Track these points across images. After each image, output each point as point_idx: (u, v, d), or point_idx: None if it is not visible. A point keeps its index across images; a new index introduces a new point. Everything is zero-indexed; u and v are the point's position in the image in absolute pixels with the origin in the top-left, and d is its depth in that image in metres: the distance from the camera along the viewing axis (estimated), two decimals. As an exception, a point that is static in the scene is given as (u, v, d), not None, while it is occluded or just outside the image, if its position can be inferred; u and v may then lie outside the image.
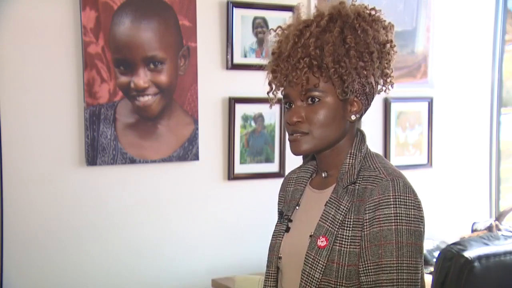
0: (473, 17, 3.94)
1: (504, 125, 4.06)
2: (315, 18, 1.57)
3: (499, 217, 3.72)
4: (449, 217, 3.87)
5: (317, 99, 1.54)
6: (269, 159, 3.34)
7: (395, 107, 3.69)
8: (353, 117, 1.57)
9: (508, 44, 4.03)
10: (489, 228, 3.58)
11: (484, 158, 4.05)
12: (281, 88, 1.61)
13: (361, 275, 1.49)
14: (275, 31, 1.63)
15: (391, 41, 1.59)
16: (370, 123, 3.56)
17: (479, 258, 2.36)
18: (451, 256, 2.37)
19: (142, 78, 2.99)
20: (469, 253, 2.36)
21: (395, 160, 3.66)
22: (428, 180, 3.80)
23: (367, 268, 1.48)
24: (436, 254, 2.97)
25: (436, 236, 3.59)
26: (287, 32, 1.59)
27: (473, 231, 3.64)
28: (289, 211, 1.68)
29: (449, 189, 3.92)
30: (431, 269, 2.62)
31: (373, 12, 1.58)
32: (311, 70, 1.52)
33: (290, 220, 1.66)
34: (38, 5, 2.84)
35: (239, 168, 3.26)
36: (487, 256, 2.39)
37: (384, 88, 1.62)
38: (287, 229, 1.65)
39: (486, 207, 4.05)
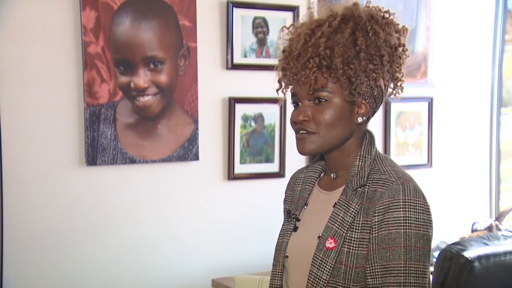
0: (473, 17, 3.94)
1: (504, 125, 4.06)
2: (328, 18, 1.56)
3: (499, 217, 3.72)
4: (449, 217, 3.87)
5: (324, 99, 1.53)
6: (269, 159, 3.33)
7: (395, 107, 3.69)
8: (360, 119, 1.57)
9: (508, 44, 4.03)
10: (489, 228, 3.58)
11: (484, 158, 4.05)
12: (290, 87, 1.60)
13: (368, 277, 1.49)
14: (288, 28, 1.63)
15: (404, 45, 1.58)
16: (370, 123, 3.54)
17: (479, 258, 2.36)
18: (451, 256, 2.37)
19: (142, 78, 2.99)
20: (469, 253, 2.36)
21: (395, 160, 3.64)
22: (428, 180, 3.80)
23: (374, 270, 1.48)
24: (436, 254, 2.97)
25: (436, 236, 3.57)
26: (299, 31, 1.58)
27: (473, 231, 3.64)
28: (297, 210, 1.67)
29: (449, 189, 3.92)
30: (431, 269, 2.62)
31: (386, 15, 1.58)
32: (320, 70, 1.52)
33: (298, 220, 1.66)
34: (38, 5, 2.83)
35: (239, 168, 3.26)
36: (487, 256, 2.39)
37: (394, 91, 1.61)
38: (295, 228, 1.65)
39: (486, 207, 4.05)
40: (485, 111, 4.03)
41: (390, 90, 1.61)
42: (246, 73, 3.24)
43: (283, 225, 1.70)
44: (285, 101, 1.76)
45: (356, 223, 1.51)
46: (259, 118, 3.29)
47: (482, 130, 4.03)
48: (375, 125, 3.62)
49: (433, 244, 3.43)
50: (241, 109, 3.24)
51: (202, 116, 3.16)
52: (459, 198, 3.96)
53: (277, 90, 1.63)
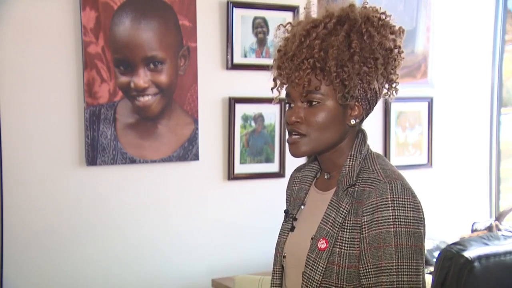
0: (473, 17, 3.94)
1: (504, 125, 4.06)
2: (323, 19, 1.55)
3: (499, 217, 3.72)
4: (449, 217, 3.87)
5: (317, 102, 1.53)
6: (269, 159, 3.33)
7: (395, 107, 3.68)
8: (352, 122, 1.57)
9: (508, 44, 4.03)
10: (489, 228, 3.59)
11: (484, 158, 4.05)
12: (285, 86, 1.60)
13: (362, 277, 1.49)
14: (284, 27, 1.62)
15: (399, 46, 1.57)
16: (370, 123, 3.53)
17: (479, 258, 2.36)
18: (451, 256, 2.37)
19: (142, 78, 2.99)
20: (469, 253, 2.36)
21: (395, 160, 3.66)
22: (428, 180, 3.80)
23: (367, 270, 1.48)
24: (436, 254, 2.97)
25: (436, 236, 3.59)
26: (295, 31, 1.57)
27: (473, 231, 3.64)
28: (294, 209, 1.68)
29: (449, 189, 3.92)
30: (431, 269, 2.62)
31: (383, 17, 1.57)
32: (313, 72, 1.51)
33: (295, 219, 1.67)
34: (38, 5, 2.83)
35: (239, 168, 3.26)
36: (487, 256, 2.39)
37: (389, 93, 1.61)
38: (292, 228, 1.66)
39: (486, 207, 4.05)
40: (485, 111, 4.03)
41: (385, 91, 1.61)
42: (246, 73, 3.24)
43: (282, 224, 1.71)
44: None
45: (347, 223, 1.51)
46: (259, 118, 3.29)
47: (482, 130, 4.03)
48: (375, 125, 3.63)
49: (433, 244, 3.48)
50: (241, 109, 3.24)
51: (202, 116, 3.16)
52: (459, 198, 3.95)
53: (272, 89, 1.63)
